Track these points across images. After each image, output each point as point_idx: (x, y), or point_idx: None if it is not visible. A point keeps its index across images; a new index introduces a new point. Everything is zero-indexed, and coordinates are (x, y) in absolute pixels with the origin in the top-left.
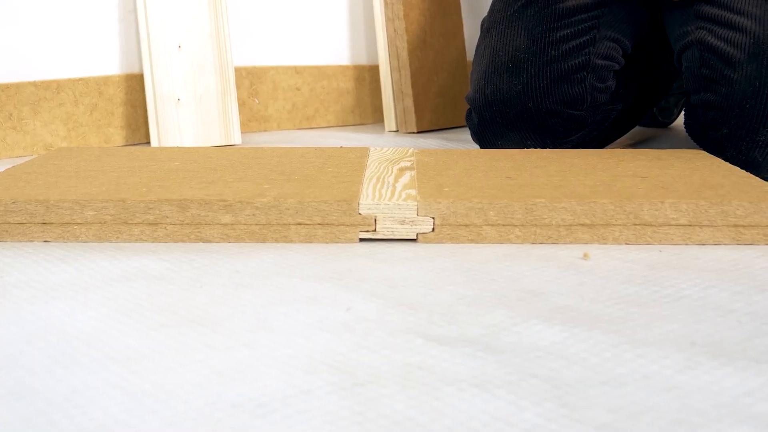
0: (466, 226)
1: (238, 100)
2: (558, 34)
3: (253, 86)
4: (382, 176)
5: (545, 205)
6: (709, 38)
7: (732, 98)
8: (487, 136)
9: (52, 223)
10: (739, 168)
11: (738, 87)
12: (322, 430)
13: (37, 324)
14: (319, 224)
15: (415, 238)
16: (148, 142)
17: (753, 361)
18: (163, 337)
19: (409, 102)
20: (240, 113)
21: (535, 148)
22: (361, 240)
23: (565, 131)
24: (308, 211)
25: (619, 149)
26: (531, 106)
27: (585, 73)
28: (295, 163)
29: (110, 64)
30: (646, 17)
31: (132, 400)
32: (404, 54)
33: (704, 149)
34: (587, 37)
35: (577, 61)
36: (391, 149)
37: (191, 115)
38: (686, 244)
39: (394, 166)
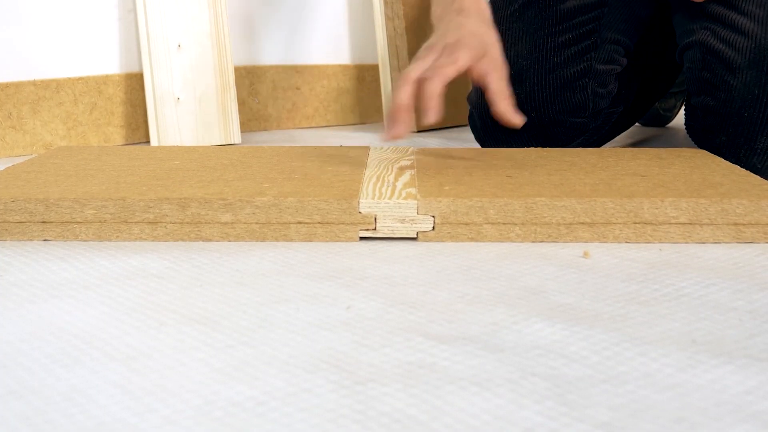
0: (467, 224)
1: (238, 99)
2: (560, 39)
3: (253, 85)
4: (382, 175)
5: (545, 203)
6: (711, 40)
7: (730, 105)
8: (489, 142)
9: (51, 222)
10: (738, 167)
11: (737, 94)
12: (323, 428)
13: (37, 323)
14: (319, 223)
15: (415, 236)
16: (148, 142)
17: (754, 359)
18: (163, 336)
19: None
20: (240, 112)
21: None
22: (362, 239)
23: (566, 139)
24: (308, 209)
25: (619, 148)
26: (534, 115)
27: (587, 80)
28: (294, 162)
29: (110, 64)
30: (647, 14)
31: (132, 398)
32: (404, 53)
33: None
34: (589, 42)
35: (579, 68)
36: (391, 148)
37: (191, 115)
38: (686, 243)
39: (394, 164)
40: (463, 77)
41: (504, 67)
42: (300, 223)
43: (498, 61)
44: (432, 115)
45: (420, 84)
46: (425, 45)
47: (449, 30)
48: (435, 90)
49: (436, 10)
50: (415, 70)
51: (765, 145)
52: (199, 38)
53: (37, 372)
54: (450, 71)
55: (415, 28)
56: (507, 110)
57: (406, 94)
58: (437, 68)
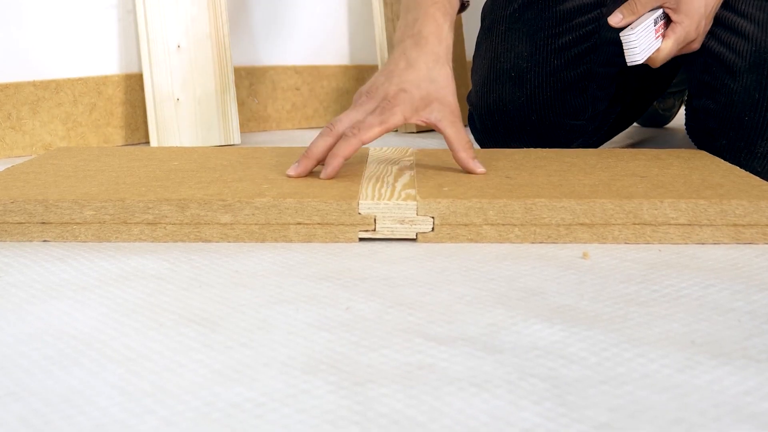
0: (466, 225)
1: (238, 99)
2: (560, 41)
3: (253, 86)
4: (381, 176)
5: (545, 204)
6: (712, 43)
7: (731, 109)
8: (488, 143)
9: (51, 223)
10: (738, 167)
11: (737, 98)
12: (322, 429)
13: (36, 324)
14: (319, 224)
15: (414, 237)
16: (148, 142)
17: (752, 360)
18: (161, 337)
19: None
20: (239, 113)
21: None
22: (361, 239)
23: (566, 142)
24: (307, 210)
25: (618, 149)
26: (534, 118)
27: (587, 83)
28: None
29: (109, 64)
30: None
31: (130, 399)
32: None
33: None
34: (589, 44)
35: (579, 71)
36: (390, 149)
37: (190, 115)
38: (686, 244)
39: (393, 165)
40: (461, 77)
41: (457, 111)
42: (299, 224)
43: (450, 105)
44: (329, 172)
45: (342, 139)
46: (368, 85)
47: (394, 73)
48: (345, 151)
49: (397, 31)
50: (343, 123)
51: (765, 149)
52: (198, 39)
53: (35, 373)
54: (372, 134)
55: None
56: (467, 161)
57: (323, 146)
58: (362, 128)
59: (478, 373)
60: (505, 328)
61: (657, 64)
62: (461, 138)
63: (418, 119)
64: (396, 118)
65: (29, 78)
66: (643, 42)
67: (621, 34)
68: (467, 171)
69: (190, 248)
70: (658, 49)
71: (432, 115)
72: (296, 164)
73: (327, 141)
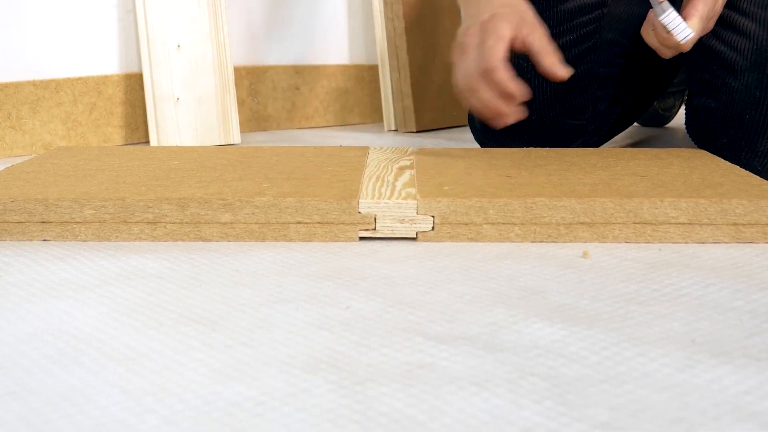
0: (466, 224)
1: (238, 99)
2: (561, 41)
3: (253, 86)
4: (381, 175)
5: (545, 203)
6: (712, 41)
7: (731, 108)
8: (488, 143)
9: (51, 222)
10: (738, 167)
11: (738, 96)
12: (322, 428)
13: (36, 323)
14: (319, 223)
15: (414, 236)
16: (147, 142)
17: (753, 359)
18: (161, 336)
19: (409, 101)
20: (239, 113)
21: None
22: (361, 239)
23: (566, 141)
24: (308, 209)
25: (618, 148)
26: (535, 118)
27: (587, 83)
28: (294, 162)
29: (109, 64)
30: (646, 13)
31: (130, 398)
32: (404, 53)
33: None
34: (590, 44)
35: (579, 71)
36: (390, 148)
37: (190, 115)
38: (686, 243)
39: (393, 164)
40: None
41: (542, 27)
42: (299, 223)
43: (535, 23)
44: (524, 94)
45: (487, 75)
46: (461, 29)
47: (480, 8)
48: (504, 76)
49: (464, 21)
50: (470, 74)
51: (766, 148)
52: (198, 38)
53: (35, 373)
54: (500, 50)
55: (415, 29)
56: (553, 64)
57: (485, 96)
58: (486, 55)
59: (478, 372)
60: (505, 327)
61: (689, 46)
62: (549, 49)
63: (519, 35)
64: (506, 30)
65: (29, 78)
66: (680, 19)
67: (660, 18)
68: (549, 75)
69: (190, 247)
70: None
71: (524, 32)
72: (497, 115)
73: (478, 91)
